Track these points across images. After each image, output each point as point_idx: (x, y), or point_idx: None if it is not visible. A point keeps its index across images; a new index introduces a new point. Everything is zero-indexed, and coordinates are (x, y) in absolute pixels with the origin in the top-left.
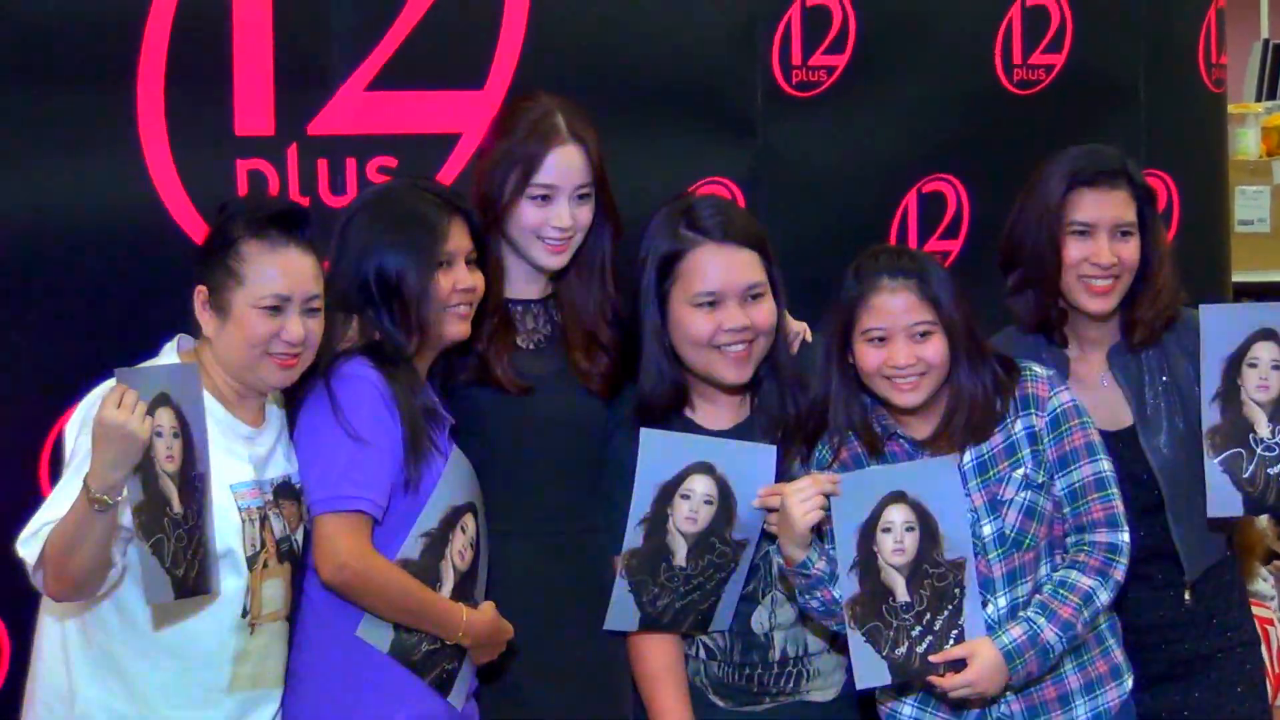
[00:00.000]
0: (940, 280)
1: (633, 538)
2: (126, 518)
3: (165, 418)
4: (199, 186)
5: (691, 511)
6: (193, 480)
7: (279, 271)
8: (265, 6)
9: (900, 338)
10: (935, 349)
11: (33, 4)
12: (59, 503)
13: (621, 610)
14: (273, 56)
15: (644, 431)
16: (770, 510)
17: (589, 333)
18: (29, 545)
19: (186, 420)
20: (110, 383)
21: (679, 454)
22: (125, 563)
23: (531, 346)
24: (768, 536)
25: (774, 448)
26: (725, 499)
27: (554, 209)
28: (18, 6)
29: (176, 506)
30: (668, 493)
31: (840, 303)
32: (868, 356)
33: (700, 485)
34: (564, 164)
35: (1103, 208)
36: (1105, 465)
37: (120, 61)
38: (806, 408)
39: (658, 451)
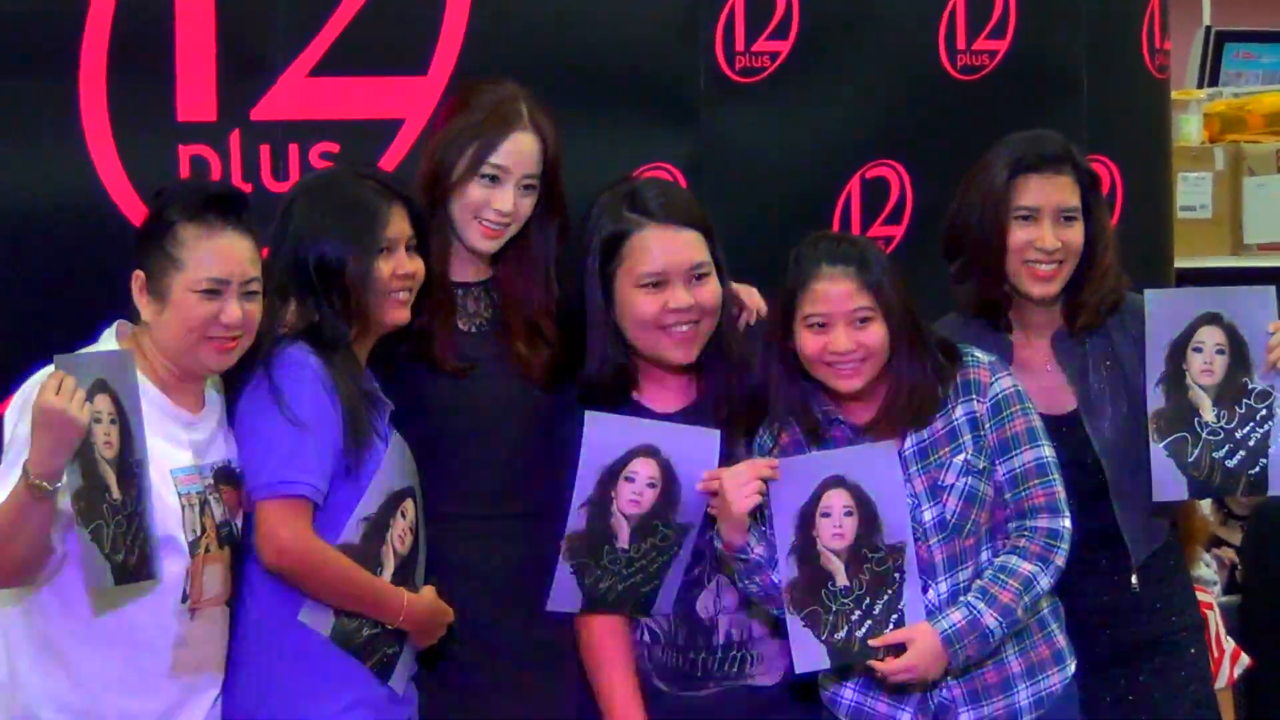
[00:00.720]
0: (881, 267)
1: (575, 520)
2: (66, 504)
3: (103, 404)
4: (141, 172)
5: (635, 494)
6: (131, 466)
7: (216, 255)
8: None
9: (840, 324)
10: (875, 335)
11: None
12: None
13: (564, 591)
14: (215, 42)
15: (588, 414)
16: (713, 494)
17: (531, 323)
18: None
19: (123, 407)
20: (49, 369)
21: (623, 436)
22: (65, 549)
23: (473, 330)
24: (712, 521)
25: (717, 432)
26: (669, 482)
27: (498, 192)
28: None
29: (115, 492)
30: (611, 475)
31: (781, 289)
32: (808, 342)
33: (644, 468)
34: (518, 150)
35: (1047, 193)
36: (1047, 451)
37: (62, 47)
38: (750, 392)
39: (601, 434)
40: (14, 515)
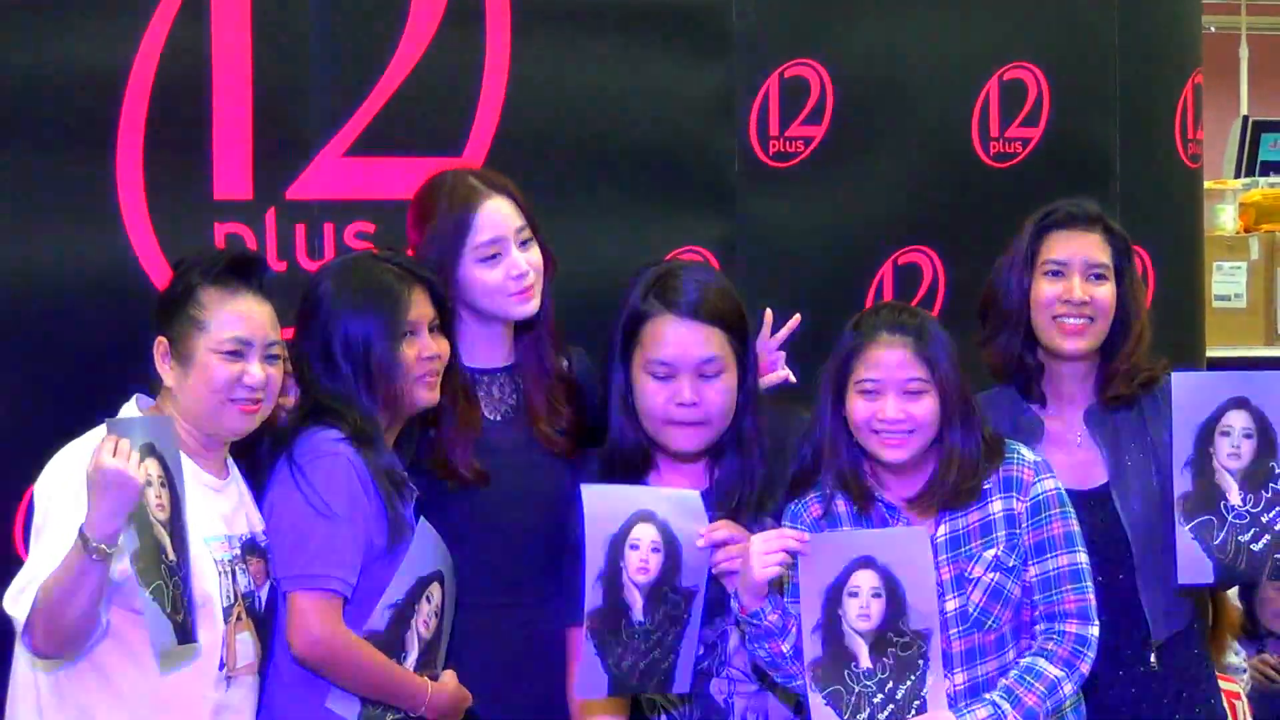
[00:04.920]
0: (938, 341)
1: (593, 597)
2: (113, 572)
3: (153, 467)
4: (177, 250)
5: (642, 561)
6: (179, 530)
7: (239, 317)
8: (245, 71)
9: (892, 392)
10: (926, 408)
11: (12, 66)
12: (45, 559)
13: (590, 675)
14: (252, 121)
15: (584, 487)
16: (716, 547)
17: (549, 392)
18: (18, 603)
19: (169, 470)
20: (95, 433)
21: (620, 505)
22: (108, 620)
23: (499, 417)
24: (721, 607)
25: (696, 492)
26: (670, 545)
27: (506, 261)
28: None
29: (170, 554)
30: (617, 545)
31: (837, 354)
32: (858, 408)
33: (646, 533)
34: (496, 215)
35: (1074, 246)
36: (1081, 557)
37: (100, 124)
38: (764, 482)
39: (601, 506)
40: (69, 582)
